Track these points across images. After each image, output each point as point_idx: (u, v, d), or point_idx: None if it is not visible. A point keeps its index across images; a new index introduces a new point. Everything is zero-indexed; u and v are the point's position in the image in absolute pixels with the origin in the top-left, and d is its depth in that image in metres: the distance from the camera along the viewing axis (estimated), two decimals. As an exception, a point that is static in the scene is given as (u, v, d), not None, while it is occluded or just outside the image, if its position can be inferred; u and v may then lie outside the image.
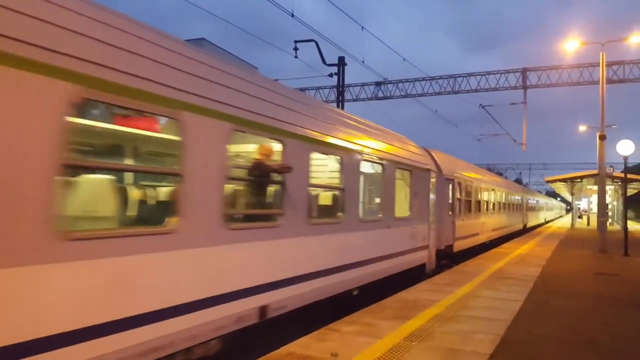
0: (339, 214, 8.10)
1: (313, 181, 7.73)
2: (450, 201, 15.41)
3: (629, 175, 23.42)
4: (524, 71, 30.95)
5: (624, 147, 19.18)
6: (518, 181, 74.73)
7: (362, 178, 9.03)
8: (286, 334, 6.61)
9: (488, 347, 5.96)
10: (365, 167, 9.46)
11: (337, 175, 8.34)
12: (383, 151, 9.87)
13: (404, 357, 5.50)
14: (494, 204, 23.37)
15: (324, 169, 9.07)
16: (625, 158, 19.44)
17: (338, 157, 8.09)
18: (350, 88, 33.35)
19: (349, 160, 8.30)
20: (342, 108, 24.04)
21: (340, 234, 8.02)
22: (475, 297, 9.12)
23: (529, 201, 40.28)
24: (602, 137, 19.77)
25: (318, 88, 33.85)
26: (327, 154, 8.02)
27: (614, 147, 19.84)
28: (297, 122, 6.78)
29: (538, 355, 5.84)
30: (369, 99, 33.76)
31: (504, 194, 26.54)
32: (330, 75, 23.85)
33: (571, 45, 21.72)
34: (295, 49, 21.64)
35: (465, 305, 8.43)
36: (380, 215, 9.87)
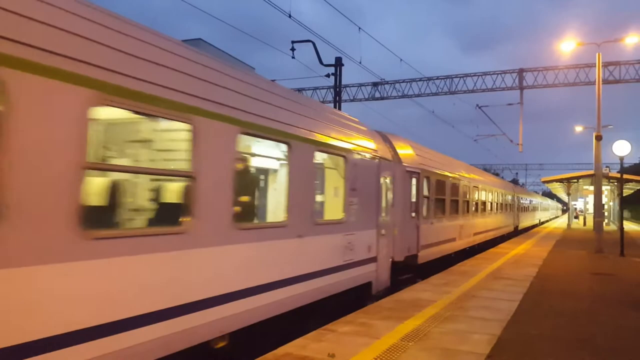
0: (183, 218, 4.94)
1: (103, 160, 5.30)
2: (413, 200, 12.20)
3: (625, 176, 23.53)
4: (521, 72, 31.03)
5: (620, 148, 19.27)
6: (514, 181, 74.94)
7: (242, 162, 6.27)
8: (284, 335, 6.61)
9: (485, 347, 5.98)
10: (250, 145, 6.67)
11: (179, 154, 5.36)
12: (289, 124, 6.68)
13: (400, 358, 5.50)
14: (477, 204, 20.04)
15: (148, 143, 6.01)
16: (621, 158, 19.52)
17: (186, 125, 4.94)
18: (348, 88, 33.40)
19: (208, 132, 5.17)
20: (340, 109, 24.06)
21: (180, 252, 4.81)
22: (472, 297, 9.14)
23: (522, 201, 36.67)
24: (598, 138, 19.84)
25: (315, 88, 33.88)
26: (155, 116, 4.85)
27: (610, 147, 19.96)
28: (44, 44, 3.62)
29: (534, 355, 5.86)
30: (366, 100, 33.81)
31: (490, 192, 23.17)
32: (328, 75, 23.85)
33: (568, 46, 21.78)
34: (293, 49, 21.65)
35: (462, 305, 8.45)
36: (284, 220, 6.65)
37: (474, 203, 19.44)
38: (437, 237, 14.22)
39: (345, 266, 8.42)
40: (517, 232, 32.01)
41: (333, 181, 8.61)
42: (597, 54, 20.67)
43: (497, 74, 31.59)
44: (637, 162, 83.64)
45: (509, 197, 29.73)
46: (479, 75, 31.92)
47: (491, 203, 23.36)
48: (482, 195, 21.28)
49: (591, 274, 13.06)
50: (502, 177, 49.41)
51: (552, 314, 8.11)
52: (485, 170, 39.45)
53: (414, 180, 12.23)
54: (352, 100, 33.89)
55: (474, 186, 19.50)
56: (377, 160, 9.82)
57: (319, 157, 7.76)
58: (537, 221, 49.76)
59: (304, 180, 7.16)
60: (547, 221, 61.29)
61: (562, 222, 57.62)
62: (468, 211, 18.36)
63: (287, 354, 5.47)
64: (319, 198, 8.19)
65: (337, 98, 24.37)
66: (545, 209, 63.68)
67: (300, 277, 6.99)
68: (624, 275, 13.14)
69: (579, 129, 39.55)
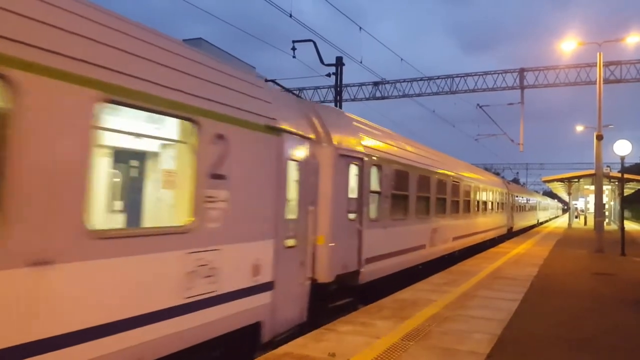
0: None
1: None
2: (353, 196, 8.80)
3: (625, 175, 23.54)
4: (522, 71, 31.04)
5: (621, 147, 19.28)
6: (515, 181, 74.95)
7: None
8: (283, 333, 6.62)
9: (485, 347, 5.98)
10: None
11: None
12: (8, 38, 3.42)
13: (401, 357, 5.51)
14: (458, 203, 16.49)
15: None
16: (622, 158, 19.55)
17: None
18: (348, 88, 33.44)
19: None
20: (340, 108, 24.06)
21: None
22: (473, 297, 9.14)
23: (517, 199, 32.78)
24: (599, 137, 19.84)
25: (316, 88, 33.94)
26: None
27: (611, 147, 19.99)
28: None
29: (535, 355, 5.86)
30: (367, 99, 33.88)
31: (476, 189, 19.42)
32: (328, 75, 23.85)
33: (569, 46, 21.78)
34: (293, 49, 21.66)
35: (463, 305, 8.45)
36: None
37: (453, 201, 15.93)
38: (394, 245, 10.78)
39: (193, 306, 4.93)
40: (511, 235, 28.82)
41: (169, 162, 5.69)
42: (598, 54, 20.66)
43: (498, 73, 31.62)
44: (638, 161, 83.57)
45: (502, 195, 26.24)
46: (479, 75, 31.94)
47: (478, 201, 19.82)
48: (466, 192, 17.65)
49: (592, 274, 13.06)
50: (503, 177, 48.98)
51: (552, 313, 8.11)
52: (486, 169, 39.26)
53: (353, 169, 8.87)
54: (352, 100, 33.99)
55: (454, 181, 15.99)
56: (278, 134, 6.45)
57: (121, 116, 4.82)
58: (535, 221, 46.69)
59: (63, 156, 3.83)
60: (546, 221, 59.67)
61: (562, 221, 57.61)
62: (445, 211, 14.99)
63: (288, 354, 5.48)
64: (121, 190, 5.69)
65: (338, 98, 24.38)
66: (544, 209, 61.40)
67: (53, 340, 3.63)
68: (625, 274, 13.14)
69: (579, 128, 39.60)
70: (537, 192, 71.79)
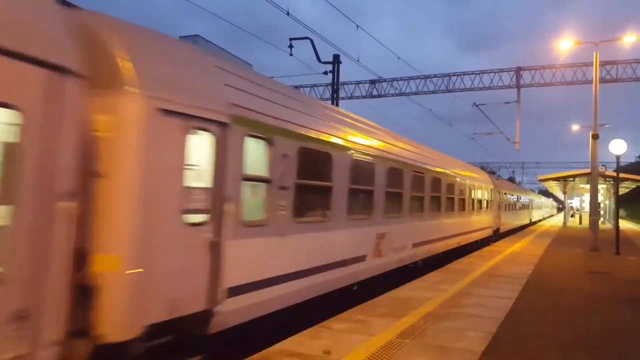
0: None
1: None
2: (203, 185, 5.37)
3: (621, 174, 23.61)
4: (518, 70, 31.11)
5: (617, 147, 19.34)
6: (511, 179, 75.10)
7: None
8: (280, 331, 6.62)
9: (480, 345, 6.01)
10: None
11: None
12: None
13: (396, 355, 5.53)
14: (422, 199, 12.87)
15: None
16: (618, 157, 19.62)
17: None
18: (345, 86, 33.43)
19: None
20: (337, 106, 24.05)
21: None
22: (468, 295, 9.17)
23: (506, 197, 28.99)
24: (595, 137, 19.91)
25: (313, 86, 33.95)
26: None
27: (606, 146, 20.04)
28: None
29: (529, 353, 5.89)
30: (364, 97, 33.89)
31: (448, 183, 15.47)
32: (325, 73, 23.86)
33: (565, 45, 21.84)
34: (290, 46, 21.66)
35: (458, 303, 8.47)
36: None
37: (415, 197, 12.30)
38: (302, 260, 7.28)
39: None
40: (498, 237, 25.19)
41: None
42: (594, 53, 20.72)
43: (495, 72, 31.71)
44: (634, 161, 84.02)
45: (486, 192, 22.40)
46: (476, 74, 32.00)
47: (452, 198, 16.04)
48: (434, 187, 13.94)
49: (587, 272, 13.13)
50: (499, 176, 48.72)
51: (547, 311, 8.15)
52: (482, 168, 39.12)
53: (203, 139, 5.39)
54: (349, 98, 34.00)
55: (417, 172, 12.34)
56: None
57: None
58: (527, 221, 42.92)
59: None
60: (539, 220, 57.80)
61: (557, 220, 57.76)
62: (400, 210, 11.33)
63: (282, 351, 5.48)
64: None
65: (335, 95, 24.37)
66: (538, 207, 58.23)
67: None
68: (620, 273, 13.21)
69: (575, 127, 39.76)
70: (532, 190, 71.71)
